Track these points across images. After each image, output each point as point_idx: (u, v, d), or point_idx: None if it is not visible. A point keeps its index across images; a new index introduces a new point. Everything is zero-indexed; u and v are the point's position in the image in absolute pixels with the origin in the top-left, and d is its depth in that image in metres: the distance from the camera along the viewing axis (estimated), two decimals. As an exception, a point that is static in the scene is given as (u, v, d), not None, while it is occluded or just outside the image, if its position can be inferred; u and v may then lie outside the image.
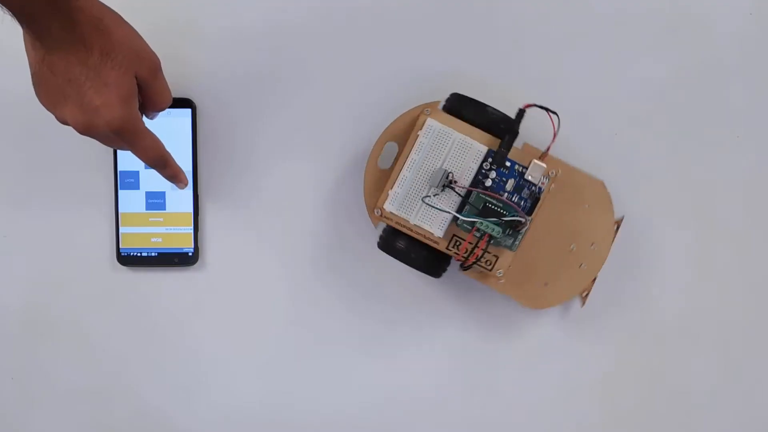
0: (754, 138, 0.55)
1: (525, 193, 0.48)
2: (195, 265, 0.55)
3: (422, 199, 0.48)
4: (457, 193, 0.48)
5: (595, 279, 0.53)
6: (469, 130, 0.49)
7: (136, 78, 0.43)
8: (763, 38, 0.55)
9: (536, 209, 0.48)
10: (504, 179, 0.48)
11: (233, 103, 0.55)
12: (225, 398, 0.56)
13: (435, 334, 0.56)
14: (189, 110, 0.54)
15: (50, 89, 0.41)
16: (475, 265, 0.49)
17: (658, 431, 0.56)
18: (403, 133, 0.51)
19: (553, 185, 0.49)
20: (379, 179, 0.51)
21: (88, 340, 0.56)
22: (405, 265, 0.55)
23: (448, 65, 0.54)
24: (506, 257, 0.49)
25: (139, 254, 0.55)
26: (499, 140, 0.48)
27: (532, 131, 0.49)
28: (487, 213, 0.48)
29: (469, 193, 0.48)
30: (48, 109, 0.43)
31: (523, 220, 0.47)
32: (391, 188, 0.49)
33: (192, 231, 0.55)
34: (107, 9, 0.41)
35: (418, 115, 0.49)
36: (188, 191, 0.54)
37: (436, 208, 0.48)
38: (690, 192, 0.55)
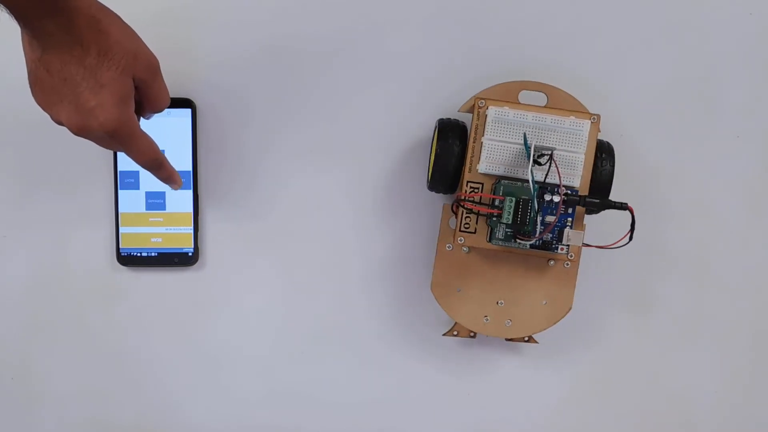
0: (754, 138, 0.55)
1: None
2: (195, 265, 0.55)
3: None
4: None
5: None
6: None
7: (134, 79, 0.43)
8: (763, 38, 0.55)
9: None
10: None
11: (233, 103, 0.55)
12: (224, 397, 0.56)
13: (434, 332, 0.56)
14: (189, 110, 0.54)
15: (46, 88, 0.41)
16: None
17: (658, 431, 0.57)
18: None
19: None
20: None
21: (88, 340, 0.56)
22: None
23: (449, 67, 0.55)
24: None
25: (139, 254, 0.55)
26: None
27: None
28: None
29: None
30: (43, 109, 0.43)
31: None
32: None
33: (192, 231, 0.55)
34: (105, 9, 0.41)
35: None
36: (188, 191, 0.55)
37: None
38: (690, 192, 0.55)
